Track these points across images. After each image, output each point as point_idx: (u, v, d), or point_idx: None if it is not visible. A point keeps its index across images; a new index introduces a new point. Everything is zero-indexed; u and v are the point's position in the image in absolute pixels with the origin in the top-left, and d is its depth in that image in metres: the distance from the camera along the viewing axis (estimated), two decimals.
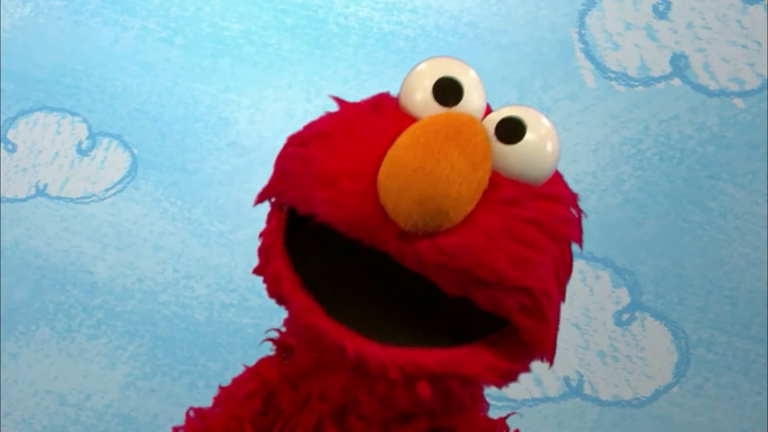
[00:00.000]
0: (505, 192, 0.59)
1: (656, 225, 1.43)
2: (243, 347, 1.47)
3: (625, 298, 1.41)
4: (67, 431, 1.45)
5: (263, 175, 1.36)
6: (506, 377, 0.62)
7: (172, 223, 1.52)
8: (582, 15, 1.54)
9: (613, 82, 1.49)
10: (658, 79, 1.50)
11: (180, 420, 1.25)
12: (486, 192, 0.58)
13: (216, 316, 1.49)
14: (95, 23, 1.58)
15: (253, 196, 1.41)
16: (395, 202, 0.56)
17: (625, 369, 1.28)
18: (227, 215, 1.52)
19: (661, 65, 1.51)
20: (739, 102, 1.47)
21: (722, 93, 1.48)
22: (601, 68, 1.50)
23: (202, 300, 1.49)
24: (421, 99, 0.61)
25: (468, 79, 0.61)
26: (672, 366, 1.40)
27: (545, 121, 0.61)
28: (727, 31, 1.51)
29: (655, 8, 1.53)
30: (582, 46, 1.52)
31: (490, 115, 0.61)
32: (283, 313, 1.32)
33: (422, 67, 0.61)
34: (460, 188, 0.56)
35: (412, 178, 0.56)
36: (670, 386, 1.39)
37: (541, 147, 0.60)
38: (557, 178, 0.64)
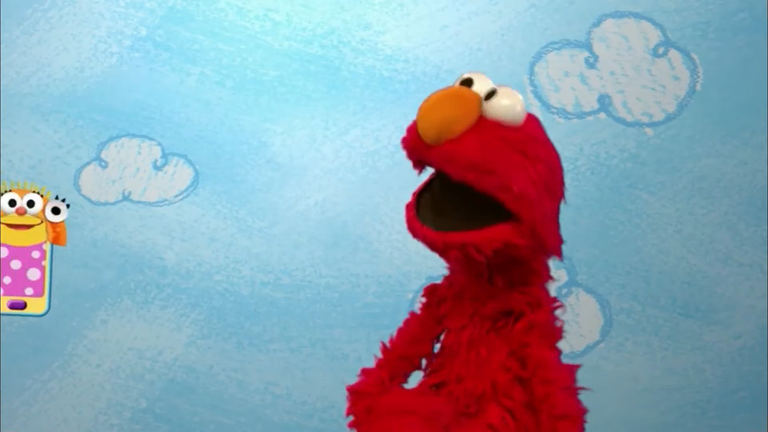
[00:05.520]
0: (487, 125, 0.84)
1: (588, 222, 1.53)
2: (277, 315, 1.58)
3: (564, 276, 1.51)
4: (144, 378, 1.58)
5: (293, 185, 1.60)
6: (510, 249, 0.84)
7: (223, 221, 1.59)
8: (532, 65, 1.57)
9: (555, 116, 1.55)
10: (589, 113, 1.56)
11: (229, 371, 1.49)
12: (475, 126, 0.83)
13: (257, 291, 1.59)
14: (165, 70, 1.61)
15: (286, 201, 1.58)
16: (421, 130, 0.83)
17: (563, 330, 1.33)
18: (265, 215, 1.59)
19: (590, 103, 1.56)
20: (649, 130, 1.55)
21: (636, 123, 1.55)
22: (546, 105, 1.56)
23: (246, 279, 1.59)
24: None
25: (479, 78, 0.86)
26: (599, 328, 1.53)
27: (511, 90, 0.86)
28: (640, 78, 1.56)
29: (586, 60, 1.57)
30: (532, 88, 1.57)
31: (482, 89, 0.85)
32: (305, 290, 1.50)
33: (463, 75, 0.88)
34: (452, 126, 0.82)
35: (425, 119, 0.83)
36: (597, 343, 1.53)
37: (508, 102, 0.84)
38: (535, 124, 0.86)
